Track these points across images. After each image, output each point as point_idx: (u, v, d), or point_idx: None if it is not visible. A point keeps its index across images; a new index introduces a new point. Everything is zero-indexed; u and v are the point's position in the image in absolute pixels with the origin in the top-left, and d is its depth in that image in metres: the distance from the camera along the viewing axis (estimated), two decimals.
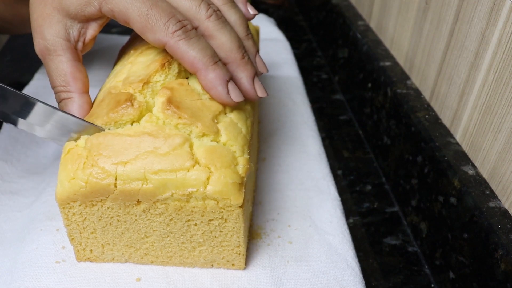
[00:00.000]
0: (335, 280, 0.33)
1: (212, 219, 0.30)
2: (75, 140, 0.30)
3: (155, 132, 0.28)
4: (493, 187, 0.33)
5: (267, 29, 0.67)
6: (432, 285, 0.36)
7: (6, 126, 0.46)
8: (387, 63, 0.48)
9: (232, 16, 0.33)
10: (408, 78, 0.46)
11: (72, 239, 0.32)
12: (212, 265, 0.33)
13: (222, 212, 0.30)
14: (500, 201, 0.32)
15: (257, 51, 0.35)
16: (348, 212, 0.41)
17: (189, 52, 0.29)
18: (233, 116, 0.32)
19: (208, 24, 0.31)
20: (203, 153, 0.28)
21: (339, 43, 0.61)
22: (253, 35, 0.44)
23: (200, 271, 0.33)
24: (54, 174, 0.41)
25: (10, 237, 0.35)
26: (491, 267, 0.30)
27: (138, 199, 0.29)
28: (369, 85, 0.51)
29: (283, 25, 0.75)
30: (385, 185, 0.45)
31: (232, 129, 0.31)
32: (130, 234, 0.31)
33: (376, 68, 0.49)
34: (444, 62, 0.40)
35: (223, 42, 0.31)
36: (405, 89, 0.44)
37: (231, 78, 0.31)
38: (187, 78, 0.33)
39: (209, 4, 0.31)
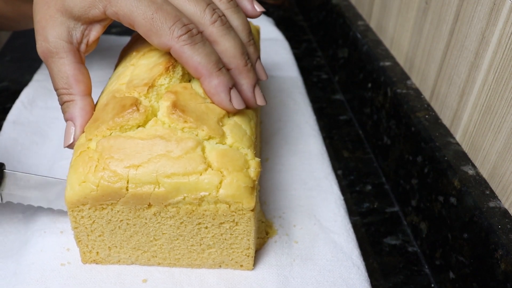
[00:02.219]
0: (341, 279, 0.33)
1: (223, 222, 0.30)
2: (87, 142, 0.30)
3: (167, 135, 0.28)
4: (493, 187, 0.33)
5: (267, 28, 0.67)
6: (432, 285, 0.36)
7: (6, 127, 0.46)
8: (387, 63, 0.49)
9: (235, 21, 0.33)
10: (408, 78, 0.46)
11: (79, 241, 0.32)
12: (220, 266, 0.33)
13: (233, 215, 0.30)
14: (500, 201, 0.32)
15: (258, 57, 0.34)
16: (348, 212, 0.41)
17: (194, 57, 0.29)
18: (236, 118, 0.32)
19: (213, 30, 0.31)
20: (215, 156, 0.28)
21: (339, 43, 0.61)
22: (254, 35, 0.44)
23: (206, 271, 0.33)
24: (55, 176, 0.41)
25: (13, 239, 0.35)
26: (491, 267, 0.30)
27: (150, 203, 0.29)
28: (369, 85, 0.51)
29: (283, 25, 0.75)
30: (385, 185, 0.45)
31: (237, 131, 0.31)
32: (139, 237, 0.31)
33: (376, 68, 0.49)
34: (444, 62, 0.40)
35: (227, 48, 0.31)
36: (405, 89, 0.44)
37: (234, 85, 0.31)
38: (189, 81, 0.33)
39: (214, 9, 0.31)
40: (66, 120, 0.32)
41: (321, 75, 0.63)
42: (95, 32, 0.32)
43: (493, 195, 0.33)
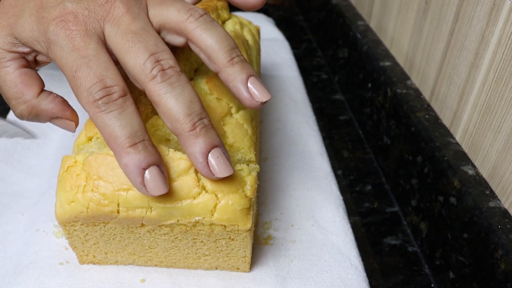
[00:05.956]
0: (339, 279, 0.33)
1: (219, 239, 0.30)
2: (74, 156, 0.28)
3: None
4: (493, 187, 0.33)
5: (267, 29, 0.67)
6: (432, 285, 0.36)
7: None
8: (387, 63, 0.48)
9: (208, 40, 0.27)
10: (408, 78, 0.46)
11: (74, 247, 0.32)
12: (217, 268, 0.33)
13: (229, 234, 0.29)
14: (500, 201, 0.32)
15: (252, 75, 0.27)
16: (348, 212, 0.41)
17: (106, 128, 0.24)
18: (239, 117, 0.31)
19: (152, 88, 0.25)
20: (209, 179, 0.27)
21: (339, 43, 0.61)
22: (255, 36, 0.44)
23: (205, 272, 0.33)
24: (55, 176, 0.41)
25: (12, 239, 0.35)
26: (491, 267, 0.30)
27: (142, 223, 0.28)
28: (369, 85, 0.51)
29: (283, 25, 0.75)
30: (385, 185, 0.45)
31: (238, 131, 0.30)
32: (134, 246, 0.31)
33: (376, 68, 0.49)
34: (444, 62, 0.40)
35: (168, 110, 0.25)
36: (405, 89, 0.44)
37: (156, 163, 0.25)
38: (191, 79, 0.33)
39: (158, 61, 0.25)
40: (51, 121, 0.29)
41: (321, 75, 0.63)
42: (42, 57, 0.29)
43: (493, 195, 0.33)
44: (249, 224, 0.28)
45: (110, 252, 0.32)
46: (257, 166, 0.31)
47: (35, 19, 0.27)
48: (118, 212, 0.27)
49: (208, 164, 0.26)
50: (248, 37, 0.42)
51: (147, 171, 0.25)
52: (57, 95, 0.29)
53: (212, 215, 0.27)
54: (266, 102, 0.27)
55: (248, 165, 0.30)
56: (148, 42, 0.26)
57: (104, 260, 0.33)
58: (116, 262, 0.33)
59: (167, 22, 0.27)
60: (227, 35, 0.27)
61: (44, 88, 0.29)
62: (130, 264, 0.33)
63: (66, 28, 0.25)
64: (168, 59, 0.26)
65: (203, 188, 0.27)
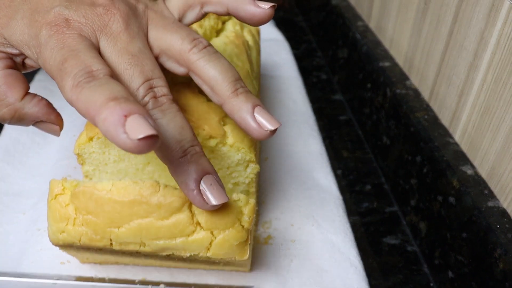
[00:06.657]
0: (339, 279, 0.33)
1: (217, 262, 0.30)
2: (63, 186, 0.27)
3: (148, 191, 0.25)
4: (492, 187, 0.34)
5: (267, 29, 0.68)
6: (431, 285, 0.36)
7: (7, 127, 0.46)
8: (387, 64, 0.49)
9: (211, 71, 0.26)
10: (407, 78, 0.46)
11: (73, 255, 0.32)
12: (216, 268, 0.33)
13: (226, 261, 0.29)
14: (498, 200, 0.32)
15: (256, 105, 0.26)
16: (347, 211, 0.41)
17: (85, 100, 0.21)
18: None
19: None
20: (204, 213, 0.26)
21: (339, 43, 0.61)
22: (254, 36, 0.45)
23: (205, 271, 0.33)
24: (56, 176, 0.41)
25: (13, 239, 0.35)
26: (490, 266, 0.30)
27: (137, 251, 0.28)
28: (369, 85, 0.51)
29: (283, 25, 0.75)
30: (385, 185, 0.45)
31: (238, 131, 0.30)
32: (132, 258, 0.31)
33: (376, 68, 0.49)
34: (443, 63, 0.40)
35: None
36: (404, 90, 0.45)
37: (141, 114, 0.20)
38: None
39: (151, 87, 0.24)
40: (34, 125, 0.28)
41: (320, 76, 0.64)
42: (31, 61, 0.27)
43: (491, 195, 0.33)
44: (246, 256, 0.27)
45: (109, 258, 0.32)
46: (257, 166, 0.31)
47: (27, 22, 0.25)
48: (111, 245, 0.26)
49: (201, 193, 0.24)
50: (248, 37, 0.43)
51: (129, 119, 0.19)
52: (42, 98, 0.27)
53: (208, 250, 0.26)
54: (275, 130, 0.26)
55: (246, 193, 0.30)
56: (145, 66, 0.25)
57: (105, 260, 0.33)
58: (117, 262, 0.33)
59: (169, 49, 0.26)
60: (231, 66, 0.27)
61: (29, 91, 0.27)
62: (130, 264, 0.33)
63: (60, 32, 0.24)
64: (162, 87, 0.25)
65: (198, 224, 0.26)
